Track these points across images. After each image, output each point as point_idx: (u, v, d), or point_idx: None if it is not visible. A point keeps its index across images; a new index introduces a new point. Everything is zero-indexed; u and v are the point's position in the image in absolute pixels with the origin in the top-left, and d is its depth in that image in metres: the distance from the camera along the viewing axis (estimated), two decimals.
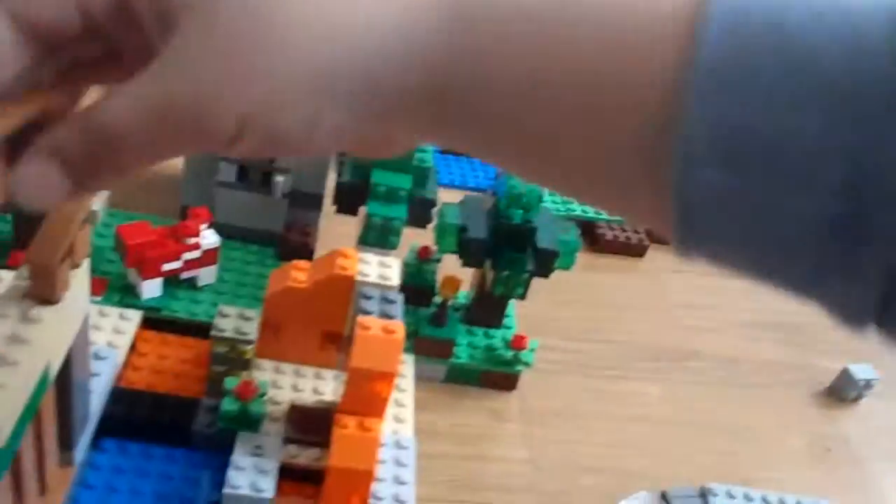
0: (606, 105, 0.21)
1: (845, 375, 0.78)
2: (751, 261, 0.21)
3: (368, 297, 0.53)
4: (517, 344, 0.66)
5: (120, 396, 0.56)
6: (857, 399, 0.78)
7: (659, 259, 0.90)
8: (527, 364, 0.66)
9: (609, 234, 0.89)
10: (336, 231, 0.76)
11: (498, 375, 0.67)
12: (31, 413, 0.37)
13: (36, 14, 0.23)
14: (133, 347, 0.61)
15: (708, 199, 0.20)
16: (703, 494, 0.62)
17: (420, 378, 0.64)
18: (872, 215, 0.18)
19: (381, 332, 0.50)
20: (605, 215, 0.91)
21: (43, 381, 0.38)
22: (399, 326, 0.50)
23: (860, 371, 0.78)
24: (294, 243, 0.71)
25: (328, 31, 0.21)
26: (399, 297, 0.54)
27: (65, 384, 0.44)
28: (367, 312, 0.52)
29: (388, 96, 0.22)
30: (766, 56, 0.19)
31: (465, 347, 0.68)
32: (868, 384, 0.78)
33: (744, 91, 0.19)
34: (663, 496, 0.62)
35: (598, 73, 0.21)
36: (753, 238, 0.20)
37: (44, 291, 0.38)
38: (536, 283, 0.66)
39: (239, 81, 0.21)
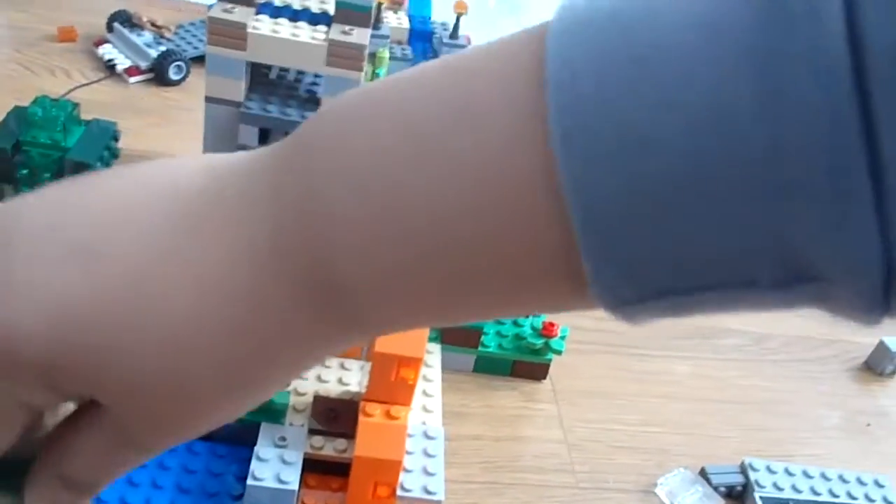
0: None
1: (881, 349, 0.76)
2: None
3: None
4: (547, 331, 0.64)
5: None
6: (894, 373, 0.76)
7: None
8: (558, 352, 0.64)
9: None
10: None
11: (528, 365, 0.65)
12: None
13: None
14: None
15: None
16: (743, 470, 0.60)
17: (448, 370, 0.63)
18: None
19: None
20: None
21: None
22: None
23: None
24: None
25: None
26: None
27: None
28: None
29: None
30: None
31: (494, 336, 0.65)
32: None
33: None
34: (702, 473, 0.60)
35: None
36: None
37: None
38: None
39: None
